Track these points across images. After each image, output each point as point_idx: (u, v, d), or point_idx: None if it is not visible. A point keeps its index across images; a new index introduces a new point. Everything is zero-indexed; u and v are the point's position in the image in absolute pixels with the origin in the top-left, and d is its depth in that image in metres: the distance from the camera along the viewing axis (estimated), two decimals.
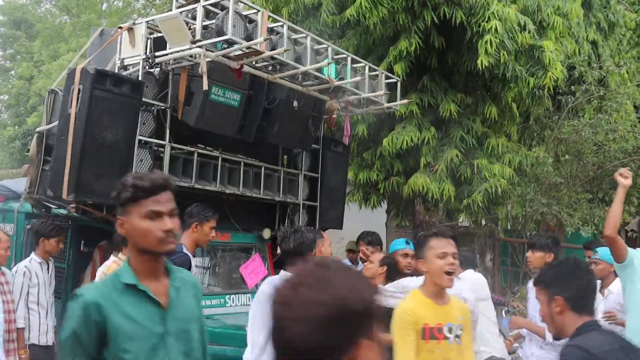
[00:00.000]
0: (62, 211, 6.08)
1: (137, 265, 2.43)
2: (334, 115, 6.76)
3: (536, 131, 12.07)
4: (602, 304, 5.42)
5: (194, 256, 4.83)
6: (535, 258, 5.45)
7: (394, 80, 7.53)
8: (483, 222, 12.42)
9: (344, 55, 6.69)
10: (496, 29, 7.88)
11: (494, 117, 9.25)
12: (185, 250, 4.65)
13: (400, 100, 7.51)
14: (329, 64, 6.12)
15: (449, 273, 3.38)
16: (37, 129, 6.31)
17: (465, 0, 8.10)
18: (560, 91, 11.27)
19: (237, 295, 6.49)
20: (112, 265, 5.17)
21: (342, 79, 6.50)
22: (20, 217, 7.21)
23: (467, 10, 8.21)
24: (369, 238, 6.30)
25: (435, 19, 8.32)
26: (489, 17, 7.99)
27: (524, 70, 8.83)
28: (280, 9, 9.17)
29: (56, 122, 5.65)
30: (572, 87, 11.24)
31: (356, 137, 9.33)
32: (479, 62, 7.99)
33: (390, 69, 8.54)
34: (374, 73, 7.11)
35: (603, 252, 5.57)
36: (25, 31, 34.25)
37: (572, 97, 11.15)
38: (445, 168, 8.78)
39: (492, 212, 11.09)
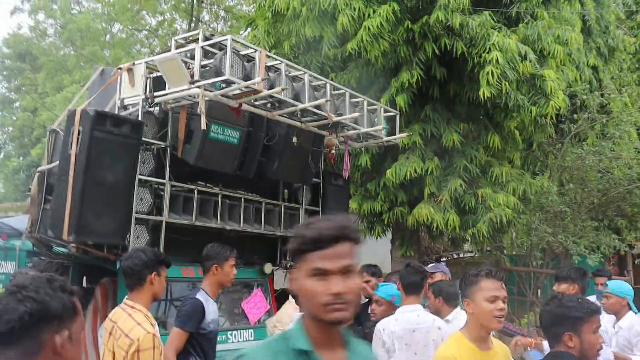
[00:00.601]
0: (64, 249, 6.09)
1: (310, 329, 2.00)
2: (333, 151, 6.80)
3: (539, 158, 12.07)
4: (613, 340, 5.33)
5: (216, 301, 4.77)
6: (561, 290, 5.35)
7: (393, 113, 7.56)
8: (488, 249, 12.37)
9: (342, 91, 6.75)
10: (497, 60, 7.92)
11: (497, 146, 9.26)
12: (201, 295, 4.60)
13: (400, 133, 7.57)
14: (326, 101, 6.14)
15: (498, 317, 3.21)
16: (39, 169, 6.35)
17: (465, 32, 8.15)
18: (563, 119, 11.29)
19: (239, 331, 6.48)
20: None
21: (341, 114, 6.55)
22: (22, 254, 7.25)
23: (468, 41, 8.27)
24: (372, 270, 6.23)
25: (437, 50, 8.37)
26: (489, 48, 8.04)
27: (526, 100, 8.85)
28: (282, 42, 9.25)
29: (57, 162, 5.67)
30: (575, 114, 11.24)
31: (359, 167, 9.34)
32: (481, 92, 8.02)
33: (392, 101, 8.58)
34: (372, 107, 7.17)
35: (614, 285, 5.50)
36: (29, 64, 34.56)
37: (575, 125, 11.15)
38: (450, 198, 8.76)
39: (498, 240, 11.04)
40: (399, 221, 9.53)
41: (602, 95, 11.56)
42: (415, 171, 8.64)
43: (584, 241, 10.14)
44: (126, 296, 3.98)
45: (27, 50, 34.78)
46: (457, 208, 8.91)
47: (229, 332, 6.42)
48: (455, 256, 15.34)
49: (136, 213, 5.64)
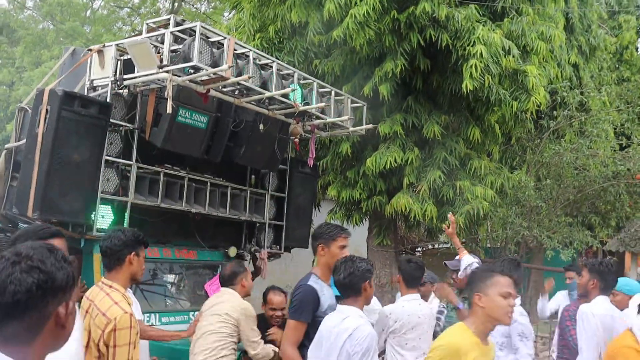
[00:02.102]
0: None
1: None
2: (297, 139, 6.99)
3: (518, 153, 12.20)
4: None
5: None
6: None
7: (360, 104, 7.72)
8: (463, 241, 12.51)
9: (310, 81, 6.90)
10: (481, 54, 7.97)
11: (477, 139, 9.34)
12: (313, 281, 4.24)
13: (373, 123, 7.81)
14: (293, 90, 6.32)
15: (509, 313, 3.25)
16: (6, 146, 6.40)
17: (451, 24, 8.18)
18: (543, 115, 11.41)
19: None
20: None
21: (307, 103, 6.70)
22: None
23: (453, 33, 8.30)
24: None
25: (422, 42, 8.39)
26: (474, 42, 8.09)
27: (507, 94, 8.93)
28: (267, 26, 9.21)
29: (24, 140, 5.71)
30: (554, 111, 11.37)
31: (340, 155, 9.36)
32: (463, 85, 8.07)
33: (375, 90, 8.60)
34: (339, 98, 7.35)
35: (621, 282, 5.52)
36: (7, 37, 33.94)
37: (554, 121, 11.28)
38: (428, 189, 8.83)
39: (474, 232, 11.17)
40: (377, 210, 9.59)
41: (581, 93, 11.71)
42: (395, 161, 8.69)
43: (557, 236, 10.31)
44: (104, 275, 3.97)
45: (4, 22, 34.12)
46: (435, 199, 8.98)
47: (191, 313, 6.52)
48: (430, 247, 15.51)
49: (102, 193, 5.71)
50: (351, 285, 3.89)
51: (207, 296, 6.71)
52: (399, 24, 8.33)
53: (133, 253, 3.86)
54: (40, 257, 1.68)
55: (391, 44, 8.48)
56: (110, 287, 3.77)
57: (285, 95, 6.31)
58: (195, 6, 26.42)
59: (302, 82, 6.76)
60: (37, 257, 1.68)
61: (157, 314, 6.19)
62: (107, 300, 3.66)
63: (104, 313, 3.60)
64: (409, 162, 8.85)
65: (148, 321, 5.87)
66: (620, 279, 5.78)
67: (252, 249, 7.46)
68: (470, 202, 8.82)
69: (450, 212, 5.55)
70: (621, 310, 5.25)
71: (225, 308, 5.02)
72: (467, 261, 5.32)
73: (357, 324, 3.81)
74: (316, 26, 8.59)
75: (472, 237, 11.53)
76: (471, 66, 7.99)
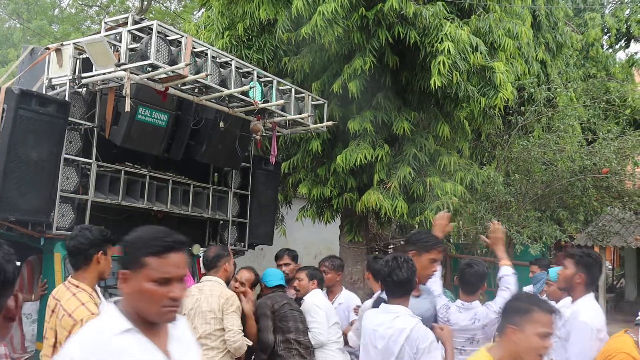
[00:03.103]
0: None
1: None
2: (259, 136, 7.06)
3: (487, 149, 12.32)
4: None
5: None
6: None
7: (321, 102, 7.78)
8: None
9: (270, 78, 6.93)
10: (449, 50, 8.02)
11: (446, 136, 9.40)
12: None
13: (327, 122, 7.76)
14: (251, 87, 6.36)
15: (542, 356, 2.98)
16: None
17: (419, 21, 8.21)
18: (511, 111, 11.53)
19: None
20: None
21: (267, 101, 6.74)
22: None
23: (421, 30, 8.34)
24: (292, 254, 6.69)
25: (390, 39, 8.42)
26: (442, 38, 8.14)
27: (475, 90, 9.00)
28: (235, 24, 9.17)
29: None
30: (522, 107, 11.50)
31: (310, 152, 9.36)
32: (432, 82, 8.12)
33: (344, 87, 8.62)
34: (300, 95, 7.40)
35: (554, 272, 5.53)
36: None
37: (522, 117, 11.41)
38: (398, 185, 8.87)
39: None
40: (348, 207, 9.61)
41: (549, 89, 11.86)
42: (366, 158, 8.71)
43: (527, 231, 10.43)
44: (70, 275, 3.92)
45: None
46: (405, 195, 9.03)
47: None
48: (402, 243, 15.57)
49: (61, 191, 5.70)
50: (408, 284, 3.91)
51: None
52: (367, 21, 8.35)
53: (100, 252, 3.84)
54: None
55: (360, 41, 8.50)
56: (77, 287, 3.75)
57: (245, 93, 6.33)
58: (165, 5, 26.19)
59: (261, 79, 6.80)
60: None
61: None
62: (74, 301, 3.64)
63: (70, 314, 3.58)
64: (379, 158, 8.89)
65: None
66: (552, 269, 5.85)
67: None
68: (440, 198, 8.88)
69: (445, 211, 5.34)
70: (555, 302, 5.25)
71: (209, 305, 5.05)
72: (503, 272, 4.89)
73: (413, 323, 3.83)
74: (285, 23, 8.57)
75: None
76: (439, 63, 8.04)
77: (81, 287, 3.75)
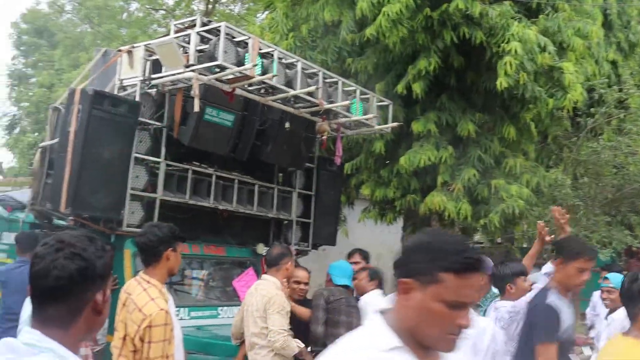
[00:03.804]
0: (63, 222, 6.34)
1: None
2: (324, 137, 7.12)
3: (554, 151, 12.01)
4: (604, 332, 5.28)
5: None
6: None
7: (386, 103, 7.76)
8: (499, 241, 12.37)
9: (335, 79, 6.96)
10: (516, 51, 7.87)
11: (512, 137, 9.22)
12: (553, 297, 3.85)
13: (391, 123, 7.75)
14: (317, 88, 6.40)
15: None
16: (41, 144, 6.61)
17: (485, 21, 8.10)
18: (580, 112, 11.21)
19: (229, 308, 6.68)
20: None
21: (332, 101, 6.77)
22: (25, 227, 7.55)
23: (487, 30, 8.21)
24: (364, 254, 6.72)
25: (455, 39, 8.33)
26: (508, 39, 7.99)
27: (543, 92, 8.80)
28: (300, 25, 9.24)
29: (58, 139, 5.92)
30: (592, 108, 11.16)
31: (373, 154, 9.34)
32: (498, 83, 7.98)
33: (409, 88, 8.57)
34: (365, 96, 7.40)
35: (616, 279, 5.38)
36: (47, 40, 34.68)
37: (592, 119, 11.07)
38: (463, 187, 8.75)
39: (509, 232, 11.03)
40: (411, 209, 9.54)
41: (620, 90, 11.44)
42: (429, 159, 8.63)
43: (596, 236, 10.11)
44: (139, 270, 4.03)
45: (44, 26, 34.92)
46: (469, 198, 8.90)
47: (219, 308, 6.67)
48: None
49: (131, 189, 5.89)
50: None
51: (235, 292, 6.84)
52: (432, 22, 8.28)
53: (170, 249, 3.91)
54: (82, 245, 1.75)
55: (424, 42, 8.43)
56: (148, 282, 3.84)
57: (311, 94, 6.37)
58: (229, 7, 26.60)
59: (327, 80, 6.84)
60: (80, 245, 1.74)
61: (187, 309, 6.31)
62: (144, 296, 3.73)
63: (140, 309, 3.67)
64: (443, 160, 8.78)
65: (178, 315, 5.97)
66: (613, 275, 5.65)
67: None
68: (505, 201, 8.72)
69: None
70: (611, 311, 5.00)
71: (256, 304, 5.07)
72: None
73: (489, 322, 4.05)
74: (349, 24, 8.60)
75: (508, 236, 11.39)
76: (506, 63, 7.90)
77: (152, 282, 3.84)
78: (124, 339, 3.77)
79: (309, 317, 5.44)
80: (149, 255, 3.90)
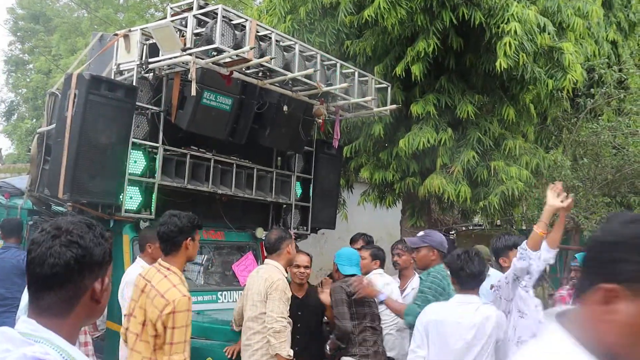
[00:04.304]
0: (61, 208, 6.32)
1: None
2: (322, 120, 7.08)
3: (553, 132, 11.97)
4: None
5: None
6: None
7: (385, 85, 7.72)
8: (498, 223, 12.35)
9: (333, 62, 6.91)
10: (515, 31, 7.80)
11: (511, 119, 9.18)
12: None
13: (390, 105, 7.70)
14: (315, 71, 6.35)
15: None
16: (38, 130, 6.59)
17: (484, 2, 8.03)
18: (579, 93, 11.16)
19: (228, 292, 6.76)
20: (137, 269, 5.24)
21: (330, 84, 6.72)
22: (23, 213, 7.57)
23: (486, 11, 8.14)
24: (368, 238, 6.86)
25: (454, 20, 8.26)
26: (508, 19, 7.92)
27: (542, 72, 8.75)
28: (297, 8, 9.15)
29: (55, 124, 5.91)
30: (592, 89, 11.10)
31: (372, 137, 9.30)
32: (497, 64, 7.93)
33: (408, 70, 8.51)
34: (363, 78, 7.36)
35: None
36: (43, 25, 34.49)
37: (591, 99, 11.03)
38: (462, 169, 8.73)
39: (508, 214, 11.02)
40: (411, 191, 9.52)
41: (620, 70, 11.39)
42: (429, 142, 8.60)
43: (595, 217, 10.10)
44: (160, 258, 4.10)
45: (41, 11, 34.70)
46: (469, 180, 8.89)
47: (219, 292, 6.72)
48: (464, 228, 15.38)
49: (129, 175, 5.89)
50: (480, 276, 4.22)
51: (234, 276, 6.87)
52: (431, 3, 8.20)
53: (189, 238, 4.03)
54: (80, 232, 1.71)
55: (423, 23, 8.36)
56: (168, 269, 3.94)
57: (309, 77, 6.34)
58: None
59: (325, 63, 6.80)
60: (77, 232, 1.71)
61: None
62: (166, 283, 3.83)
63: (162, 295, 3.76)
64: (442, 142, 8.75)
65: None
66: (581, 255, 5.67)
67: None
68: (505, 183, 8.70)
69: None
70: None
71: (257, 288, 5.03)
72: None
73: (494, 310, 4.20)
74: (347, 6, 8.51)
75: (507, 218, 11.38)
76: (505, 44, 7.83)
77: (172, 269, 3.93)
78: (143, 324, 3.81)
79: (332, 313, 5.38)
80: (169, 245, 3.99)
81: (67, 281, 1.67)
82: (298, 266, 5.62)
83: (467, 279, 4.17)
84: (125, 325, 4.03)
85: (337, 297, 5.30)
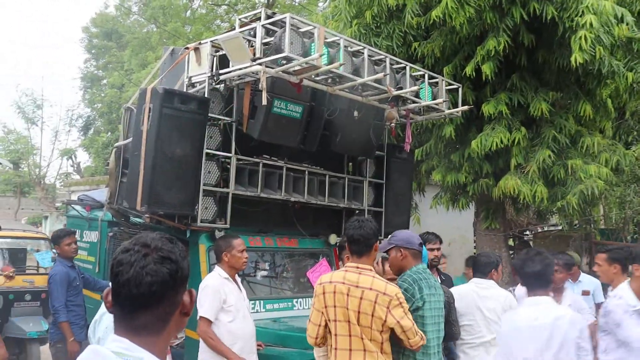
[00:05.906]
0: (139, 220, 6.47)
1: None
2: (393, 124, 6.97)
3: (633, 127, 11.49)
4: None
5: None
6: None
7: (455, 86, 7.59)
8: (576, 223, 11.95)
9: (402, 65, 6.83)
10: (591, 24, 7.50)
11: (588, 115, 8.84)
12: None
13: (462, 106, 7.56)
14: (385, 75, 6.27)
15: None
16: (116, 144, 6.77)
17: None
18: None
19: (304, 299, 6.74)
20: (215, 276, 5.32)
21: (400, 88, 6.64)
22: (103, 225, 7.83)
23: (559, 5, 7.88)
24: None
25: (525, 16, 8.02)
26: (582, 12, 7.63)
27: (621, 65, 8.39)
28: (363, 11, 9.11)
29: (131, 138, 6.05)
30: None
31: (443, 138, 9.15)
32: (572, 59, 7.64)
33: (478, 69, 8.33)
34: (433, 80, 7.24)
35: None
36: (115, 41, 35.75)
37: None
38: (537, 169, 8.47)
39: (587, 213, 10.64)
40: (484, 193, 9.31)
41: None
42: (502, 142, 8.39)
43: None
44: (349, 262, 4.26)
45: (113, 28, 36.01)
46: (545, 180, 8.61)
47: (294, 300, 6.74)
48: (540, 230, 14.93)
49: (204, 185, 5.96)
50: (546, 276, 4.16)
51: (309, 283, 6.88)
52: (500, 0, 8.01)
53: (378, 241, 4.33)
54: (168, 247, 1.71)
55: (493, 21, 8.16)
56: (370, 270, 4.18)
57: (378, 81, 6.27)
58: None
59: (394, 66, 6.74)
60: (166, 248, 1.71)
61: (262, 302, 6.39)
62: (379, 281, 4.09)
63: (383, 292, 4.00)
64: (515, 142, 8.52)
65: (253, 308, 6.06)
66: None
67: None
68: (583, 182, 8.38)
69: None
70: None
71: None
72: None
73: (566, 310, 4.23)
74: (413, 8, 8.40)
75: (586, 218, 10.98)
76: (580, 38, 7.54)
77: (367, 269, 4.15)
78: (359, 324, 3.98)
79: None
80: (362, 247, 4.22)
81: (163, 297, 1.67)
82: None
83: (529, 278, 4.18)
84: (334, 332, 4.13)
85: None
